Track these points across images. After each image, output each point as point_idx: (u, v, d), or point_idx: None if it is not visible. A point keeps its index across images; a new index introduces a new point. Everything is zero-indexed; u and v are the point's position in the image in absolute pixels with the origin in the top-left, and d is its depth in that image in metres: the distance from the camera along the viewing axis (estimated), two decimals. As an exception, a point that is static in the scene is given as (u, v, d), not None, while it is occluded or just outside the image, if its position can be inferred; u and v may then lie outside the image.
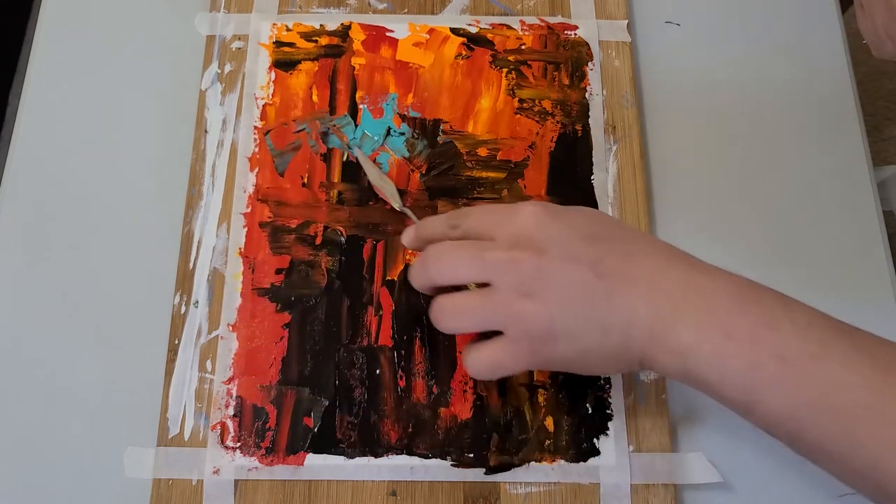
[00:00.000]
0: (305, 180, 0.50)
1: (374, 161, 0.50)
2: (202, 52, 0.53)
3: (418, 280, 0.39)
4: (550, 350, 0.36)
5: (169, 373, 0.45)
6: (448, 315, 0.37)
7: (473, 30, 0.54)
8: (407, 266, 0.48)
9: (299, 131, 0.51)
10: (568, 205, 0.49)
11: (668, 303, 0.34)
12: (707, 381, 0.34)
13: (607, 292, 0.35)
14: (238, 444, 0.44)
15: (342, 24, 0.54)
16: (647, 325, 0.34)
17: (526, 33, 0.54)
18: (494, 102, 0.52)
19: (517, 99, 0.52)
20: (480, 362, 0.37)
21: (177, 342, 0.46)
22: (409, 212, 0.47)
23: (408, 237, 0.42)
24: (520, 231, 0.36)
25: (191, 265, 0.48)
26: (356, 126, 0.51)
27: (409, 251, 0.48)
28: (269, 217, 0.49)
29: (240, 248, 0.48)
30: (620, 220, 0.38)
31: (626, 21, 0.55)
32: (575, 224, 0.36)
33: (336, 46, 0.54)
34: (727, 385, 0.34)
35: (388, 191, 0.48)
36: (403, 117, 0.52)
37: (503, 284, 0.35)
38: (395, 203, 0.48)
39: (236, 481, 0.43)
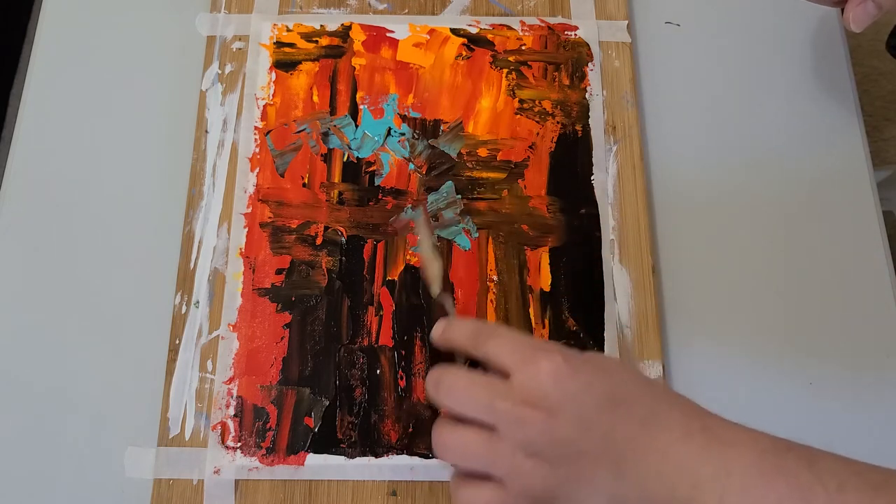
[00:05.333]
0: (306, 181, 0.50)
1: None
2: (203, 52, 0.53)
3: (428, 393, 0.38)
4: None
5: (169, 373, 0.45)
6: (449, 452, 0.36)
7: (474, 30, 0.55)
8: (408, 266, 0.48)
9: (300, 132, 0.51)
10: (569, 207, 0.50)
11: (684, 480, 0.33)
12: None
13: (617, 463, 0.34)
14: (239, 444, 0.44)
15: (342, 24, 0.54)
16: (662, 501, 0.33)
17: (526, 34, 0.55)
18: (495, 103, 0.52)
19: (517, 99, 0.53)
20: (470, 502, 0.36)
21: (177, 342, 0.46)
22: (447, 302, 0.44)
23: (436, 333, 0.40)
24: (536, 384, 0.34)
25: (191, 265, 0.48)
26: (356, 126, 0.51)
27: (410, 252, 0.48)
28: (270, 217, 0.49)
29: (240, 249, 0.48)
30: (644, 376, 0.37)
31: (627, 22, 0.55)
32: (593, 385, 0.35)
33: (336, 47, 0.54)
34: None
35: (432, 271, 0.43)
36: (404, 118, 0.52)
37: (509, 437, 0.34)
38: (435, 287, 0.43)
39: (237, 481, 0.43)
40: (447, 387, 0.36)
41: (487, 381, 0.36)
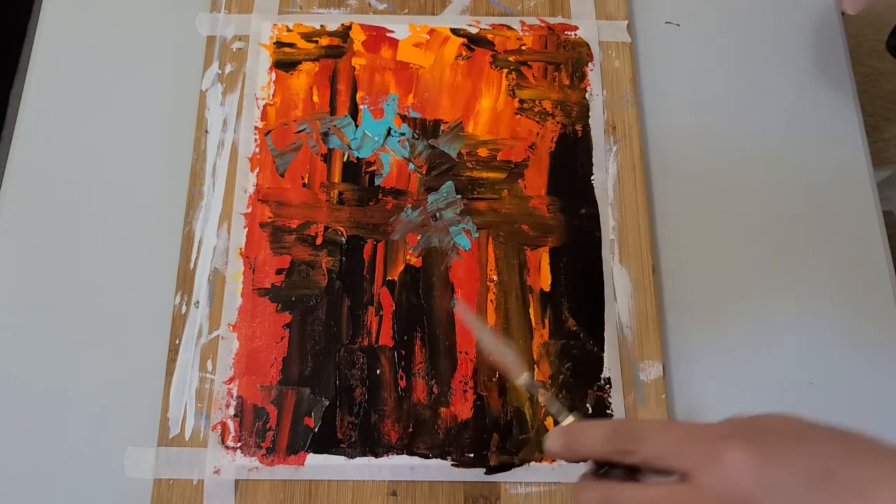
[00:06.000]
0: (306, 180, 0.50)
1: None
2: (203, 52, 0.53)
3: None
4: None
5: (170, 373, 0.45)
6: None
7: (474, 30, 0.55)
8: (408, 266, 0.48)
9: (300, 132, 0.51)
10: (569, 207, 0.50)
11: None
12: None
13: None
14: (239, 444, 0.44)
15: (342, 24, 0.54)
16: None
17: (526, 34, 0.54)
18: (495, 103, 0.52)
19: (517, 99, 0.53)
20: None
21: (177, 342, 0.46)
22: (547, 396, 0.37)
23: (556, 443, 0.33)
24: (732, 484, 0.29)
25: (191, 265, 0.48)
26: (356, 126, 0.51)
27: (410, 251, 0.48)
28: (270, 217, 0.49)
29: (240, 249, 0.48)
30: (822, 423, 0.32)
31: (627, 21, 0.55)
32: (795, 465, 0.30)
33: (336, 47, 0.54)
34: None
35: (509, 360, 0.37)
36: (404, 118, 0.52)
37: None
38: (520, 377, 0.36)
39: (237, 481, 0.43)
40: None
41: (670, 494, 0.30)
